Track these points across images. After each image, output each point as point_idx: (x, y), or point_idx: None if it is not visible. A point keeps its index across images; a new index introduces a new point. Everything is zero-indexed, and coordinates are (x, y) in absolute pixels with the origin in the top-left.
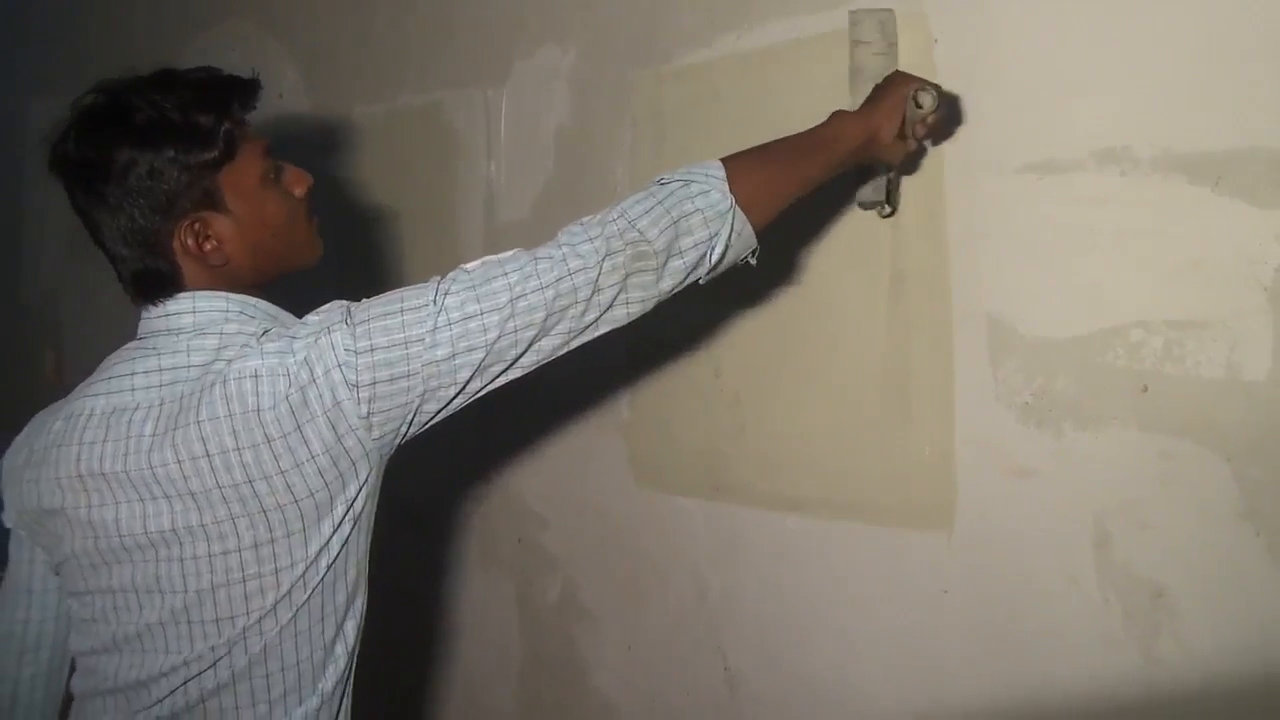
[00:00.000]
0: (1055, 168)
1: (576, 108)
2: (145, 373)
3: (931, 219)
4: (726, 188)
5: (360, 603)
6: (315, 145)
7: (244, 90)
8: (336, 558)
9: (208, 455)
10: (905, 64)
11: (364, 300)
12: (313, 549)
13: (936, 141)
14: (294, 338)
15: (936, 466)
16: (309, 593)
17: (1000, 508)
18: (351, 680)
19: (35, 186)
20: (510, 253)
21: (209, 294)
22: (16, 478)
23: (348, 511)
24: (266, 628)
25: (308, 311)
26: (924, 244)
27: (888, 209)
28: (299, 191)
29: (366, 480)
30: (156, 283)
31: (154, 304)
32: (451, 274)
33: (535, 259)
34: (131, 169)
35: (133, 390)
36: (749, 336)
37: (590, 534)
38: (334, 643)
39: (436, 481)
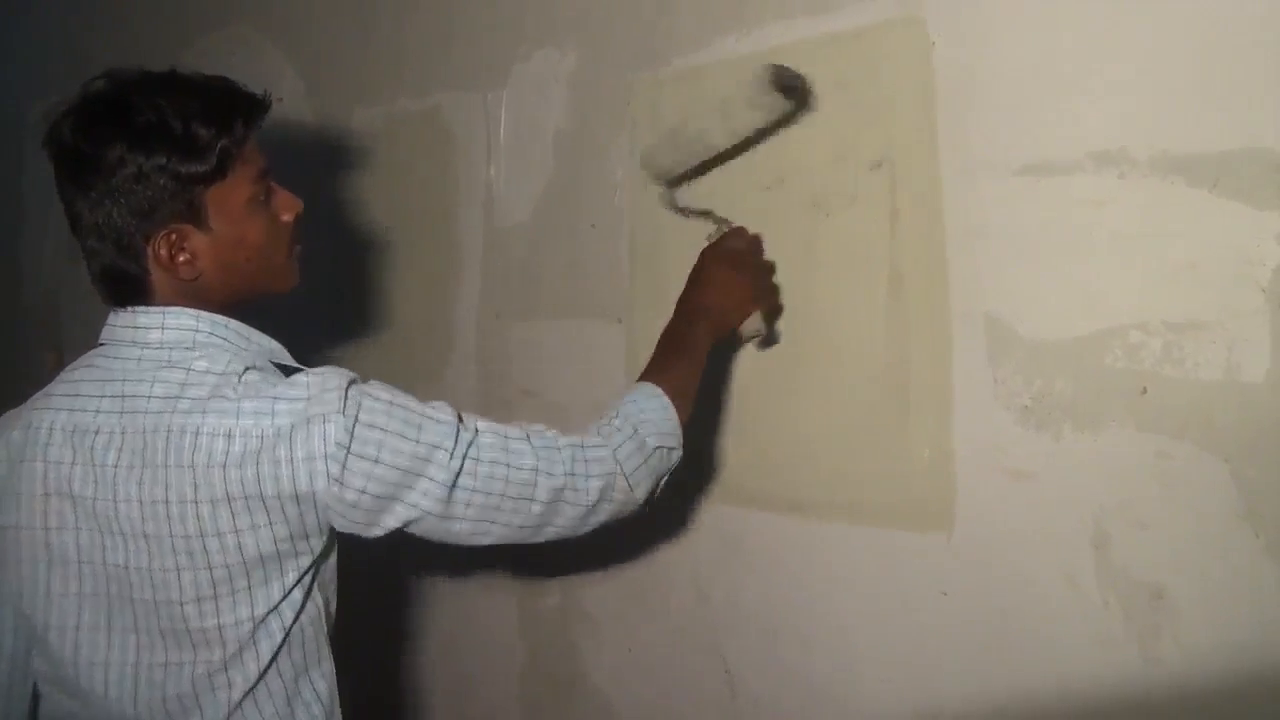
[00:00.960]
0: (1053, 169)
1: (575, 111)
2: (110, 396)
3: (930, 221)
4: (681, 443)
5: (327, 666)
6: (315, 149)
7: (250, 108)
8: (292, 623)
9: (166, 502)
10: (899, 65)
11: (373, 390)
12: (259, 610)
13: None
14: (276, 399)
15: (936, 468)
16: (263, 655)
17: (999, 509)
18: None
19: (36, 188)
20: (519, 439)
21: (178, 311)
22: None
23: (300, 578)
24: (218, 684)
25: (296, 327)
26: (922, 246)
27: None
28: (286, 217)
29: (320, 553)
30: (124, 284)
31: (122, 308)
32: (478, 425)
33: (537, 470)
34: (120, 168)
35: (96, 413)
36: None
37: (589, 537)
38: (297, 703)
39: None
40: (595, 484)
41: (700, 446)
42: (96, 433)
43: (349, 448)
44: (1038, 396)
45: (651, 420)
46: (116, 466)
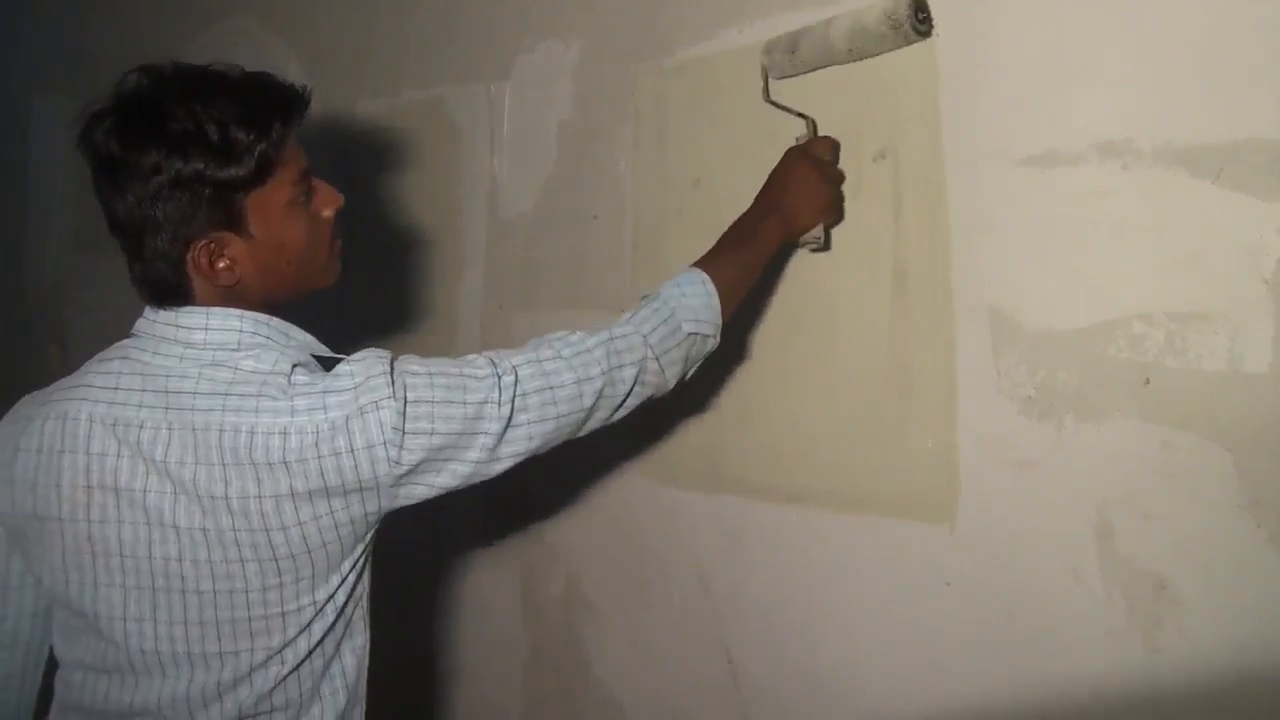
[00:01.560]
0: (1057, 160)
1: (579, 102)
2: (153, 391)
3: (933, 211)
4: (719, 331)
5: (361, 640)
6: (318, 140)
7: (289, 106)
8: (344, 605)
9: (227, 498)
10: (902, 55)
11: (410, 367)
12: (320, 596)
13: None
14: (326, 392)
15: (938, 459)
16: (314, 635)
17: (1002, 500)
18: (360, 707)
19: (40, 182)
20: (552, 359)
21: (223, 312)
22: (2, 476)
23: (355, 563)
24: (272, 663)
25: (300, 317)
26: (926, 236)
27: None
28: (327, 213)
29: (371, 535)
30: (163, 288)
31: (163, 308)
32: (512, 363)
33: (580, 381)
34: (156, 174)
35: (139, 407)
36: (751, 329)
37: (594, 527)
38: (324, 679)
39: None
40: (630, 372)
41: (703, 437)
42: (141, 427)
43: (403, 429)
44: (1041, 387)
45: (690, 305)
46: (167, 461)
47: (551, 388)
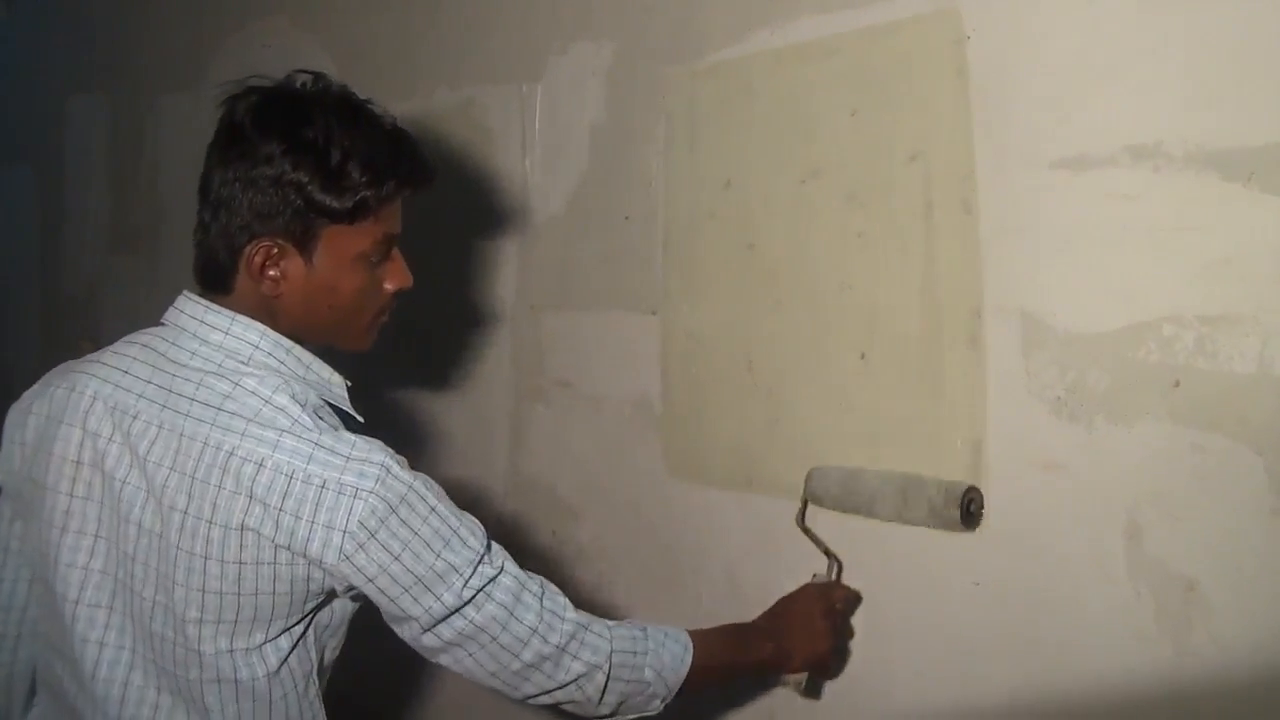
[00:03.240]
0: (1088, 163)
1: (611, 103)
2: (156, 385)
3: (965, 213)
4: (667, 700)
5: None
6: None
7: (413, 173)
8: (276, 670)
9: (184, 512)
10: (934, 58)
11: (419, 487)
12: (239, 644)
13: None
14: (317, 445)
15: (968, 459)
16: (242, 690)
17: (1032, 501)
18: None
19: (76, 181)
20: (533, 594)
21: (248, 322)
22: (11, 437)
23: (288, 629)
24: (206, 701)
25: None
26: (957, 238)
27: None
28: (390, 287)
29: (317, 608)
30: (211, 268)
31: (197, 297)
32: (504, 563)
33: (534, 631)
34: (266, 164)
35: (139, 396)
36: (781, 330)
37: (623, 527)
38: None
39: (470, 474)
40: (577, 667)
41: (733, 438)
42: (135, 417)
43: (375, 534)
44: (1071, 388)
45: (664, 660)
46: (148, 459)
47: (511, 614)
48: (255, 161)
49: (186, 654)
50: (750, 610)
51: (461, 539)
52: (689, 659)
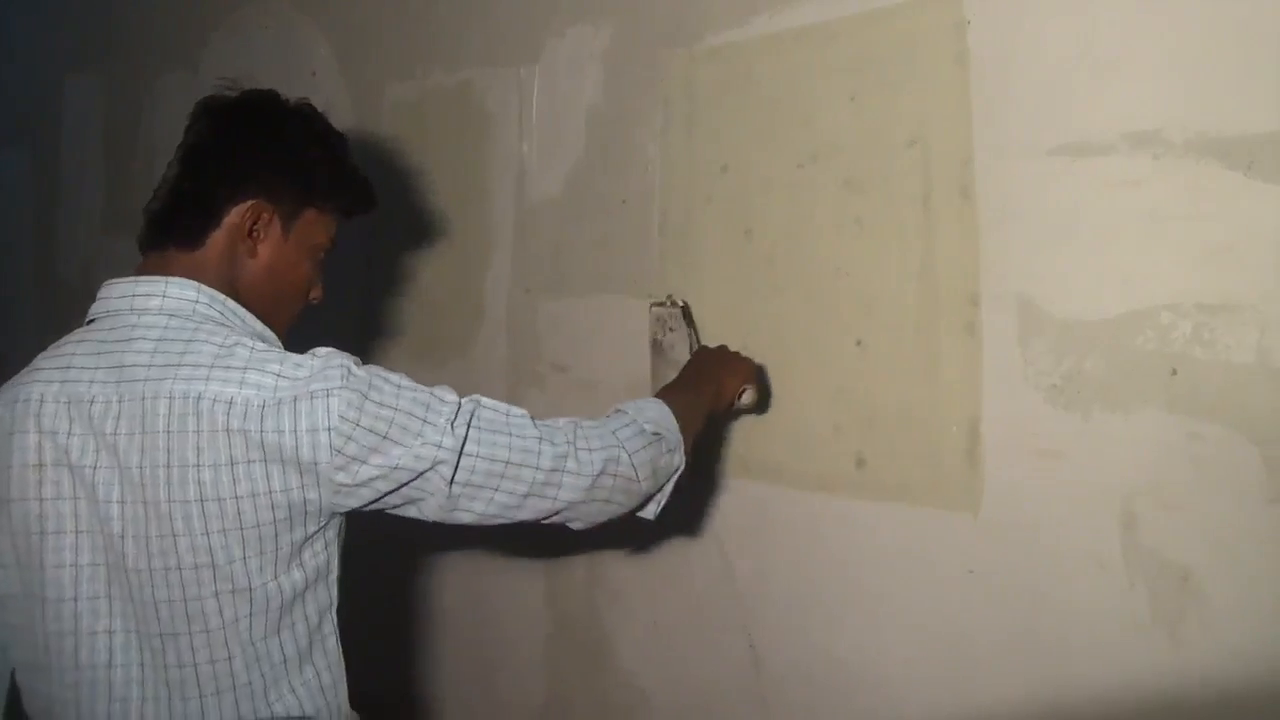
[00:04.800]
0: (1087, 150)
1: (609, 87)
2: (105, 367)
3: (963, 200)
4: (683, 450)
5: (323, 661)
6: (348, 123)
7: (367, 196)
8: (291, 603)
9: (167, 466)
10: (933, 43)
11: (381, 372)
12: (255, 582)
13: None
14: (279, 374)
15: (964, 447)
16: (256, 630)
17: (1028, 489)
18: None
19: (71, 163)
20: (520, 415)
21: (181, 281)
22: None
23: (296, 555)
24: (218, 656)
25: (343, 303)
26: (955, 225)
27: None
28: (313, 295)
29: (319, 534)
30: (185, 219)
31: (142, 266)
32: (468, 406)
33: (540, 439)
34: (288, 141)
35: (90, 383)
36: (777, 315)
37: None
38: (286, 687)
39: None
40: (598, 456)
41: (729, 422)
42: (92, 402)
43: (358, 421)
44: (1067, 376)
45: (649, 415)
46: (116, 434)
47: (509, 432)
48: (268, 139)
49: (202, 606)
50: (744, 596)
51: (438, 397)
52: (667, 407)
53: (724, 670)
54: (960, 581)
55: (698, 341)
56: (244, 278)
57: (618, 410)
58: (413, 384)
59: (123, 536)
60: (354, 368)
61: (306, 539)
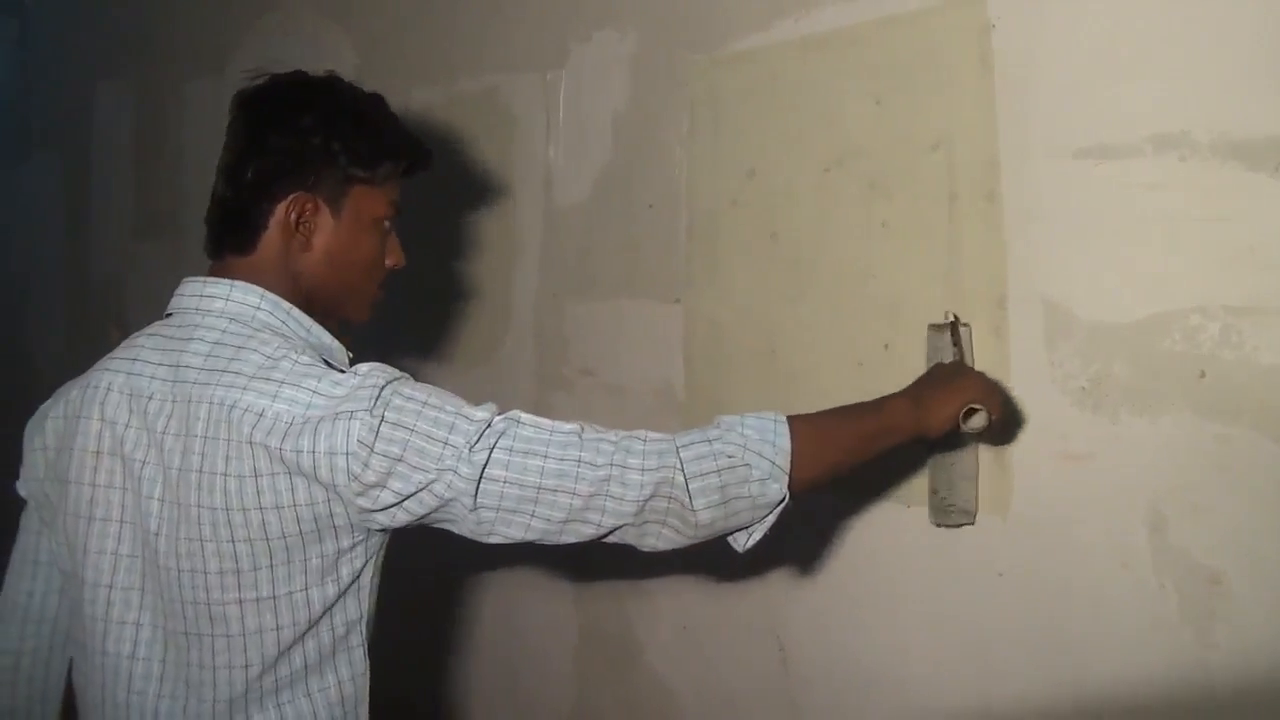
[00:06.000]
0: (1112, 152)
1: (634, 91)
2: (166, 365)
3: (988, 203)
4: (787, 481)
5: (348, 672)
6: None
7: (418, 154)
8: (319, 617)
9: (199, 471)
10: (958, 46)
11: (405, 389)
12: (279, 590)
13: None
14: (315, 392)
15: (992, 450)
16: (283, 640)
17: (1055, 491)
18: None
19: (102, 168)
20: (566, 432)
21: (246, 286)
22: (29, 446)
23: (325, 570)
24: (235, 661)
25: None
26: (980, 228)
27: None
28: (390, 262)
29: (353, 549)
30: (236, 228)
31: (212, 269)
32: (500, 424)
33: (580, 460)
34: (305, 132)
35: (151, 378)
36: (804, 319)
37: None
38: (304, 698)
39: None
40: (650, 477)
41: None
42: (150, 398)
43: (373, 447)
44: (1094, 379)
45: (745, 434)
46: (165, 433)
47: (546, 455)
48: (293, 129)
49: (225, 611)
50: (773, 597)
51: (465, 417)
52: (783, 426)
53: (753, 672)
54: (989, 583)
55: (964, 359)
56: (304, 271)
57: (717, 423)
58: (441, 401)
59: (157, 534)
60: (386, 387)
61: (340, 553)
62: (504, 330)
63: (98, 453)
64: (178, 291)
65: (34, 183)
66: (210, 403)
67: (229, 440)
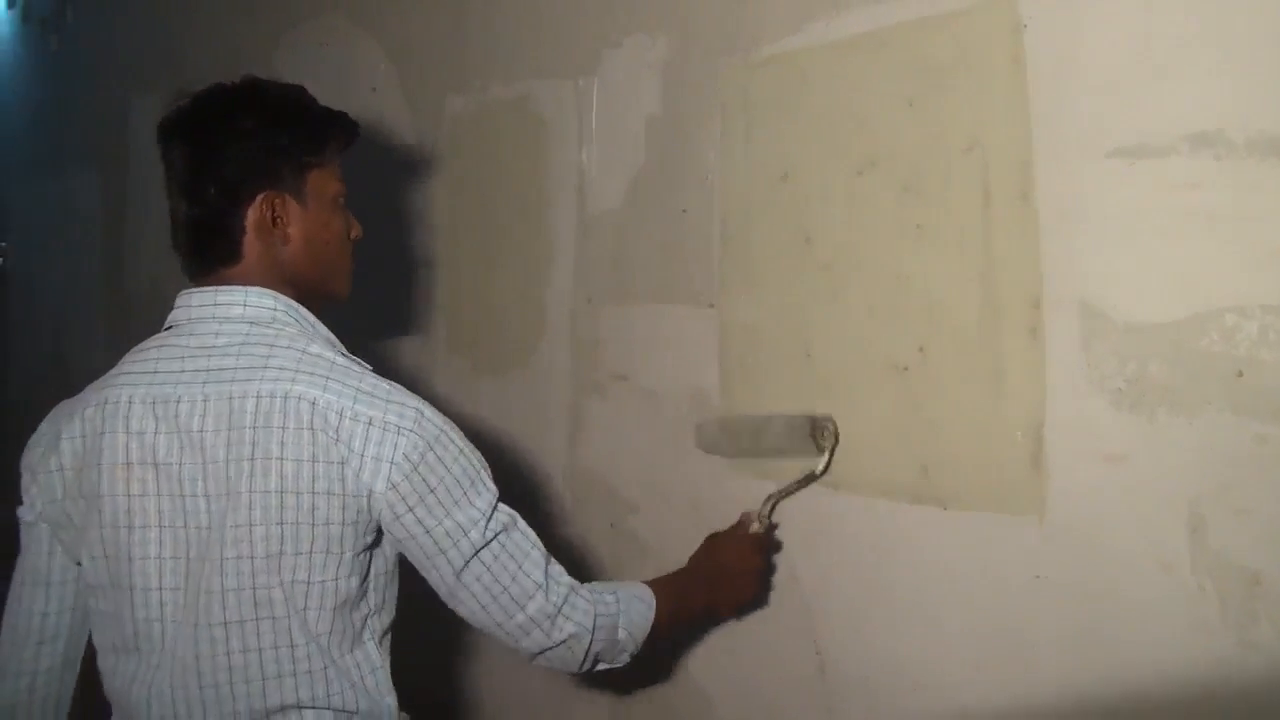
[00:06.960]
0: (1147, 152)
1: (666, 96)
2: (191, 370)
3: (1023, 204)
4: (635, 652)
5: (379, 667)
6: (409, 137)
7: (348, 127)
8: (345, 605)
9: (251, 459)
10: (991, 47)
11: (450, 433)
12: (316, 576)
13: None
14: (359, 391)
15: (1028, 451)
16: (312, 625)
17: (1093, 493)
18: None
19: (139, 180)
20: (541, 556)
21: (260, 291)
22: (40, 468)
23: (357, 561)
24: (282, 643)
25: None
26: (1015, 229)
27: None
28: (355, 235)
29: (378, 544)
30: (213, 242)
31: (198, 287)
32: (503, 518)
33: (540, 587)
34: (246, 136)
35: (177, 384)
36: (839, 322)
37: (681, 519)
38: (337, 683)
39: (529, 466)
40: (569, 628)
41: None
42: (179, 401)
43: (416, 467)
44: (1132, 380)
45: (634, 620)
46: (203, 431)
47: (520, 567)
48: (239, 133)
49: (269, 595)
50: (809, 601)
51: (484, 482)
52: (652, 615)
53: (790, 676)
54: (1026, 586)
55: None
56: (291, 262)
57: (614, 595)
58: (470, 452)
59: (208, 529)
60: (425, 414)
61: (368, 547)
62: (538, 336)
63: (128, 464)
64: (181, 304)
65: (73, 196)
66: (259, 396)
67: (284, 428)
